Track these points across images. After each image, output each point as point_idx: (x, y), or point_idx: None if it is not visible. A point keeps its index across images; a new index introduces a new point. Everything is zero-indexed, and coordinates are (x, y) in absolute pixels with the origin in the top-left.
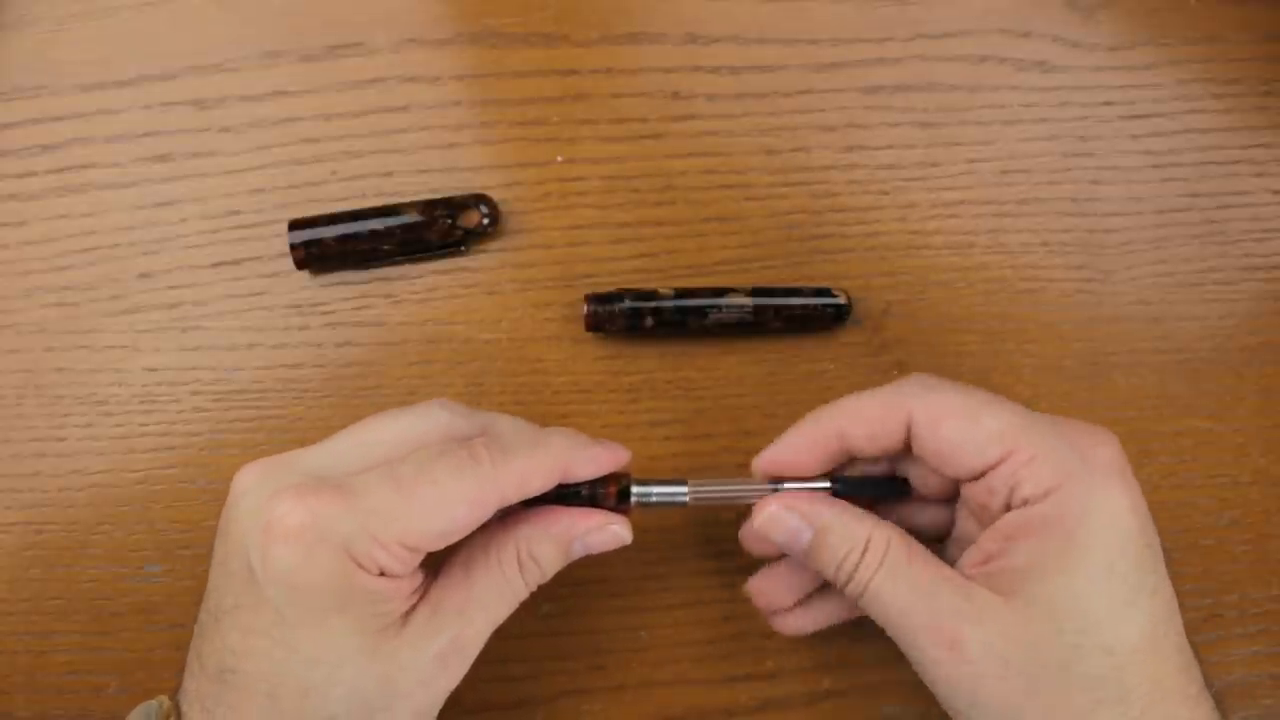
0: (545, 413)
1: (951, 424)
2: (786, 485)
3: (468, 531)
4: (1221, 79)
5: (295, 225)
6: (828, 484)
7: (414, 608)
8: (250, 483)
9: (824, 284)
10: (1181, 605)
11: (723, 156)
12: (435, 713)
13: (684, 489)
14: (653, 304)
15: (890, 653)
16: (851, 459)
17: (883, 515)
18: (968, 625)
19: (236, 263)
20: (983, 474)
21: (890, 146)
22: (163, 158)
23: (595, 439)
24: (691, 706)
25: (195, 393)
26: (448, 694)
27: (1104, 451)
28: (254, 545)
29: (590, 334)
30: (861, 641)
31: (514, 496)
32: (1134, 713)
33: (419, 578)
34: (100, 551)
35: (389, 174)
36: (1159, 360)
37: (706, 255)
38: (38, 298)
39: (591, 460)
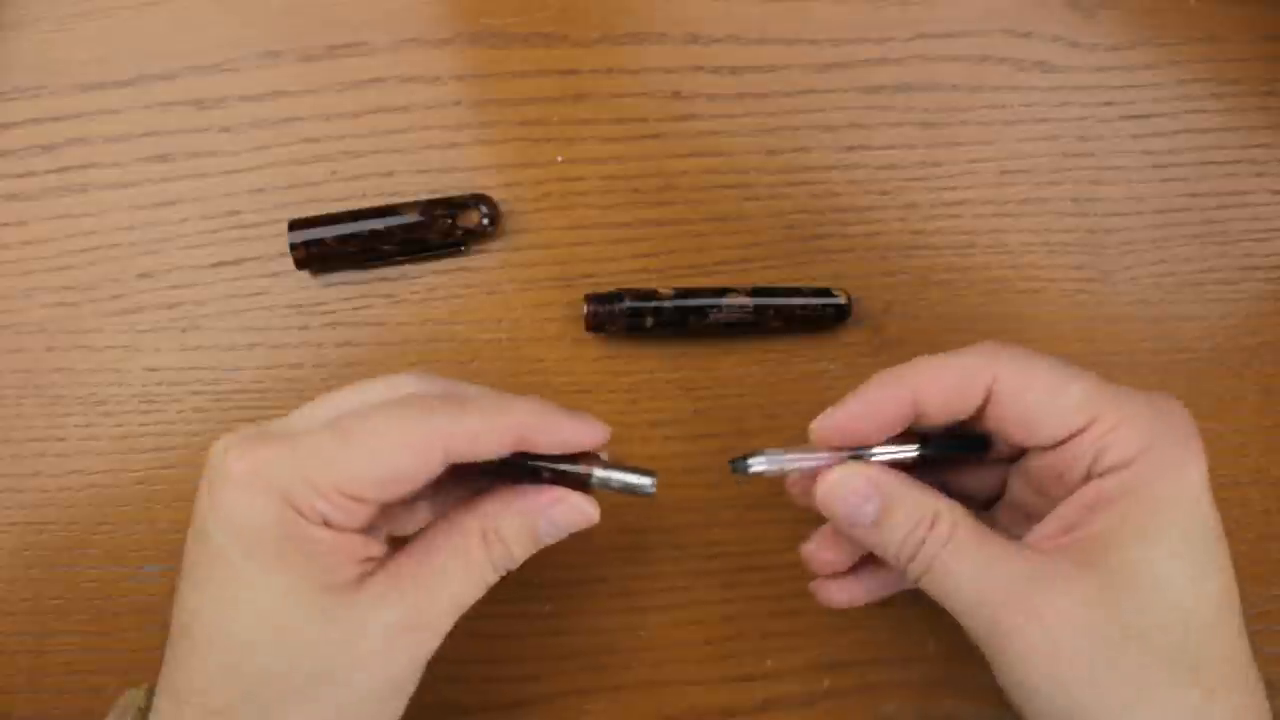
0: None
1: (1038, 391)
2: (875, 452)
3: (414, 483)
4: (1221, 79)
5: (295, 225)
6: (915, 447)
7: (371, 575)
8: (218, 447)
9: (824, 284)
10: None
11: (723, 156)
12: (398, 695)
13: (649, 480)
14: (653, 304)
15: (890, 653)
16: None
17: (927, 479)
18: (1045, 593)
19: (236, 263)
20: (1063, 441)
21: (891, 146)
22: (163, 158)
23: (570, 410)
24: (691, 706)
25: (195, 393)
26: (410, 675)
27: (1181, 421)
28: (204, 497)
29: (590, 334)
30: (861, 641)
31: (464, 450)
32: (1207, 686)
33: (376, 547)
34: (100, 551)
35: (389, 174)
36: (1159, 360)
37: (706, 255)
38: (38, 298)
39: (551, 429)
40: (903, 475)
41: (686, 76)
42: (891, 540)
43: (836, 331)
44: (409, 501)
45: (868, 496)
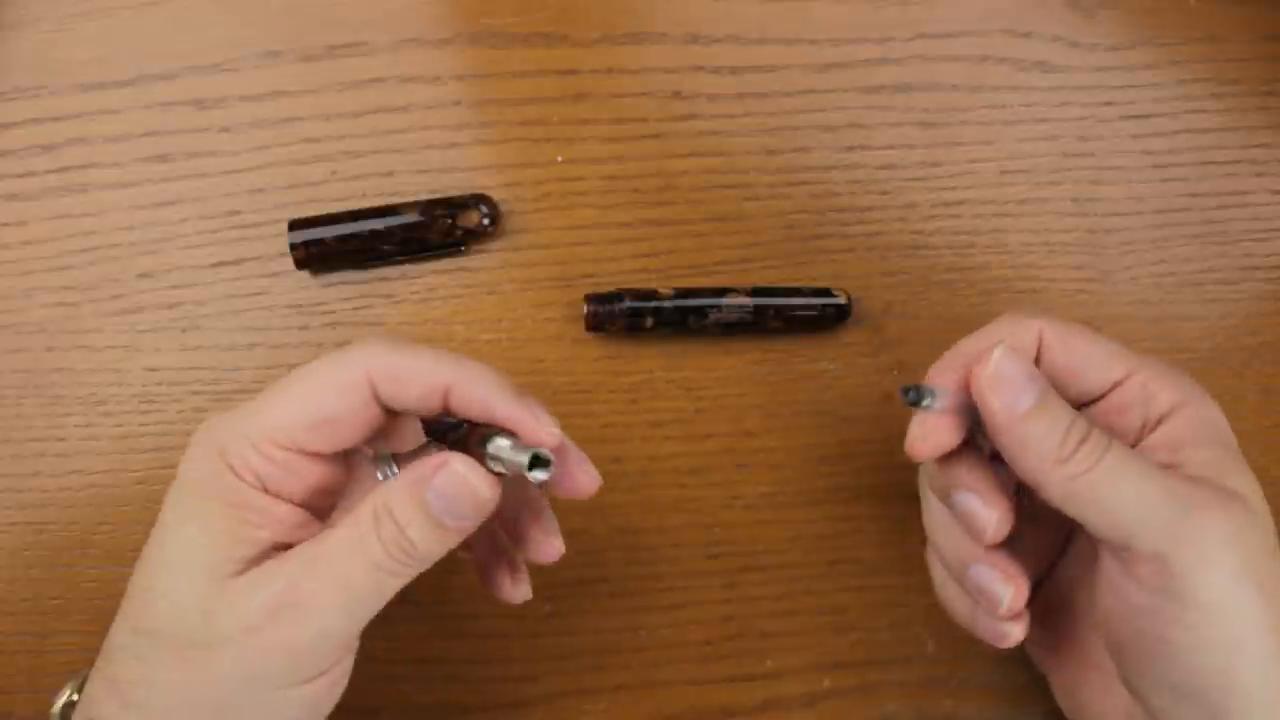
0: None
1: (1080, 340)
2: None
3: (352, 427)
4: (1221, 79)
5: (295, 225)
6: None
7: (279, 555)
8: None
9: (824, 284)
10: None
11: (723, 156)
12: (285, 684)
13: (526, 459)
14: (653, 304)
15: (890, 653)
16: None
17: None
18: (1227, 506)
19: (236, 263)
20: (1108, 392)
21: (891, 146)
22: (163, 158)
23: (520, 393)
24: (691, 706)
25: (195, 393)
26: (288, 666)
27: (1189, 377)
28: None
29: (590, 334)
30: (861, 641)
31: (391, 392)
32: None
33: (314, 529)
34: (100, 552)
35: (389, 174)
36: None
37: (706, 255)
38: (38, 298)
39: (482, 393)
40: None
41: (686, 76)
42: (1051, 432)
43: (836, 331)
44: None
45: (1029, 381)
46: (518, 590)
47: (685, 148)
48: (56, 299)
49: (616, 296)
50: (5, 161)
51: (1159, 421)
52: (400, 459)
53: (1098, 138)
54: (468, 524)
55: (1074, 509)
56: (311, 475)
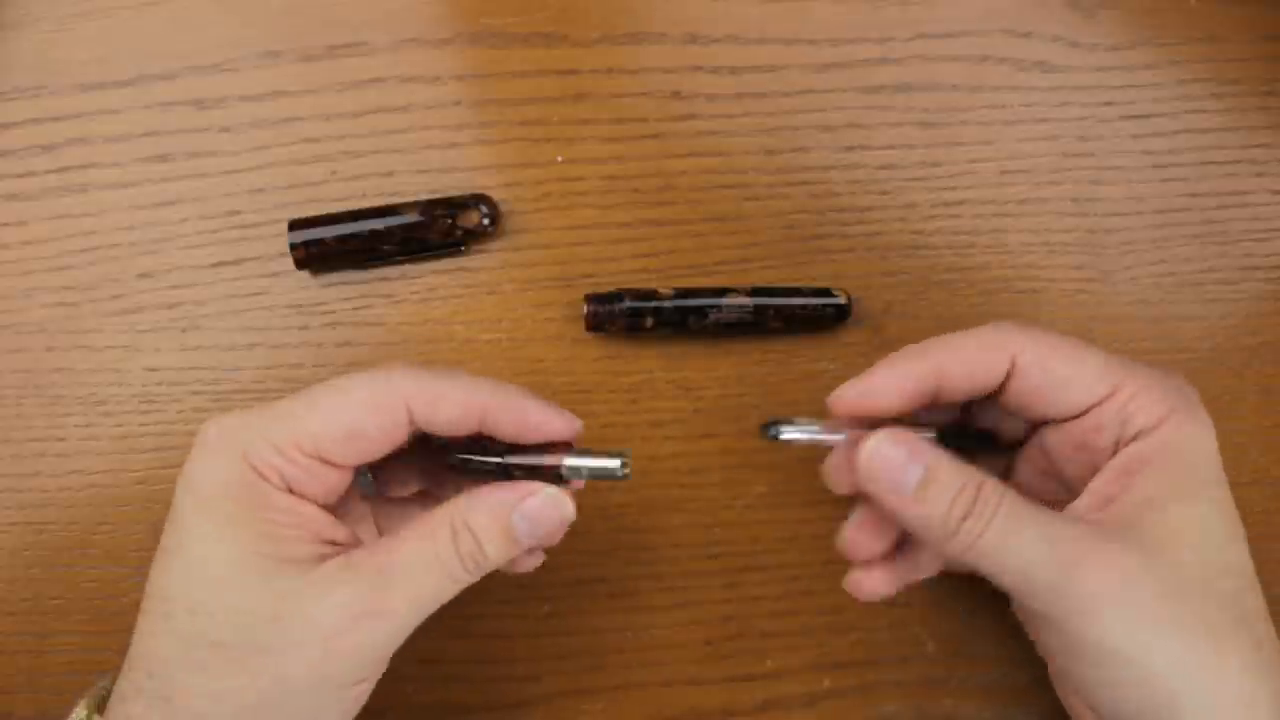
0: None
1: (1060, 361)
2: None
3: (379, 443)
4: (1221, 79)
5: (295, 225)
6: (932, 432)
7: (330, 558)
8: (205, 423)
9: (824, 284)
10: None
11: (723, 156)
12: (347, 684)
13: (618, 462)
14: (653, 304)
15: (890, 653)
16: (929, 406)
17: None
18: (1111, 553)
19: (236, 263)
20: (1087, 411)
21: (890, 146)
22: (163, 158)
23: (539, 399)
24: (691, 706)
25: (195, 393)
26: (360, 666)
27: (1189, 390)
28: (182, 472)
29: (590, 334)
30: (861, 641)
31: (426, 414)
32: (1260, 634)
33: (341, 532)
34: (100, 551)
35: (389, 174)
36: (1159, 360)
37: (706, 255)
38: (38, 298)
39: (516, 409)
40: (941, 447)
41: (686, 76)
42: (937, 508)
43: (836, 331)
44: (404, 506)
45: (910, 463)
46: (530, 559)
47: (685, 148)
48: (56, 299)
49: (616, 296)
50: (5, 161)
51: (1130, 441)
52: (377, 476)
53: (1098, 138)
54: (542, 543)
55: (974, 568)
56: (328, 481)
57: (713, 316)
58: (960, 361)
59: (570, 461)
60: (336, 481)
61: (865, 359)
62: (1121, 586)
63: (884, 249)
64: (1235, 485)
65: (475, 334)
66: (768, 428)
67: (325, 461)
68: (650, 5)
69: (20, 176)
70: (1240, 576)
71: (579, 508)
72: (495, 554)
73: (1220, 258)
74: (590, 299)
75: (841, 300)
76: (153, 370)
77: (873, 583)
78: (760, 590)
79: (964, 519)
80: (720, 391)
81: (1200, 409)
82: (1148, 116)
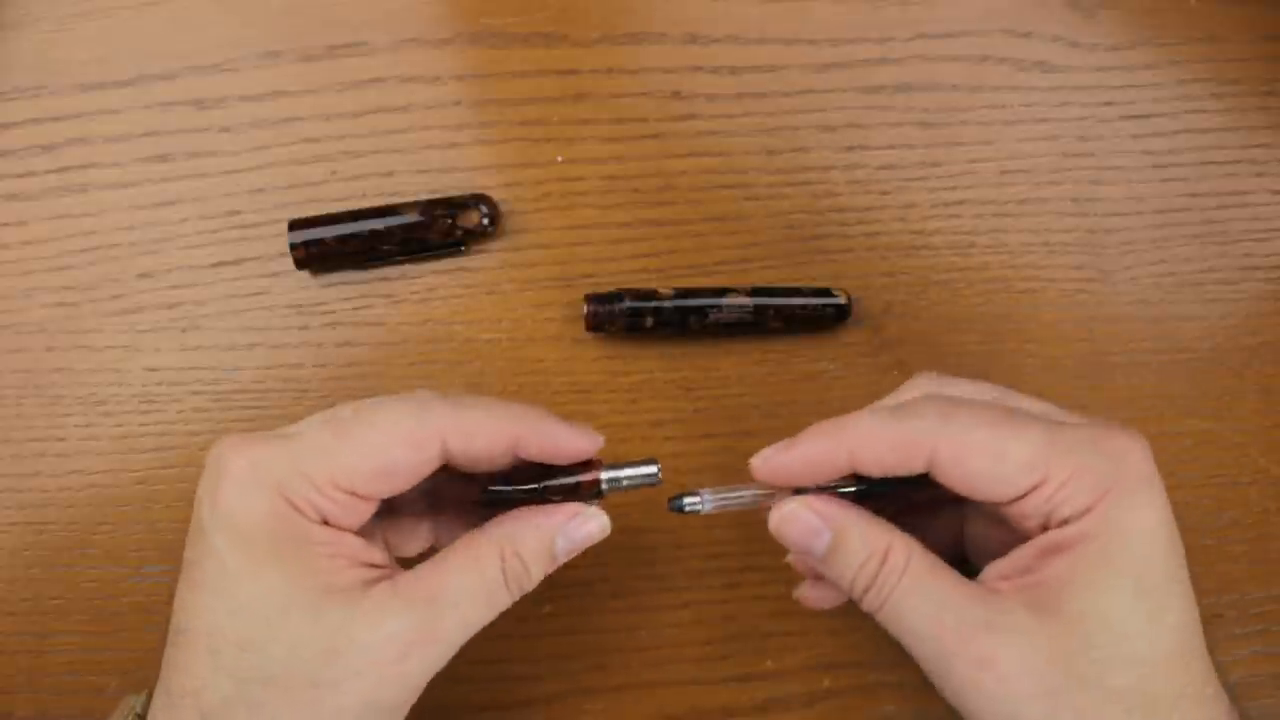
0: None
1: (978, 461)
2: (810, 490)
3: (411, 478)
4: (1221, 79)
5: (295, 225)
6: (853, 485)
7: (375, 584)
8: (218, 447)
9: (824, 284)
10: None
11: (723, 156)
12: (395, 708)
13: (655, 469)
14: (653, 304)
15: (890, 653)
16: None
17: (893, 519)
18: (1001, 642)
19: (236, 263)
20: (1013, 501)
21: (890, 146)
22: (163, 158)
23: (565, 421)
24: (691, 706)
25: (195, 393)
26: (410, 691)
27: (1134, 459)
28: (203, 496)
29: (590, 334)
30: (861, 642)
31: (460, 446)
32: (1161, 718)
33: (378, 554)
34: (100, 551)
35: (389, 174)
36: (1159, 360)
37: (706, 255)
38: (38, 298)
39: (547, 433)
40: (856, 508)
41: (686, 76)
42: (845, 573)
43: (836, 331)
44: (410, 520)
45: (818, 530)
46: None
47: (685, 148)
48: (56, 299)
49: (616, 296)
50: (5, 161)
51: (1056, 525)
52: (462, 513)
53: (1098, 138)
54: (574, 556)
55: (886, 627)
56: (361, 512)
57: (713, 316)
58: (874, 455)
59: (608, 475)
60: (366, 511)
61: (865, 359)
62: (999, 681)
63: (884, 249)
64: (1235, 485)
65: (475, 334)
66: (674, 502)
67: (357, 496)
68: (650, 5)
69: (20, 176)
70: (1154, 664)
71: None
72: (538, 575)
73: (1220, 258)
74: (590, 299)
75: (841, 300)
76: (153, 370)
77: (819, 595)
78: (760, 590)
79: (870, 582)
80: (720, 391)
81: (1140, 479)
82: (1148, 116)
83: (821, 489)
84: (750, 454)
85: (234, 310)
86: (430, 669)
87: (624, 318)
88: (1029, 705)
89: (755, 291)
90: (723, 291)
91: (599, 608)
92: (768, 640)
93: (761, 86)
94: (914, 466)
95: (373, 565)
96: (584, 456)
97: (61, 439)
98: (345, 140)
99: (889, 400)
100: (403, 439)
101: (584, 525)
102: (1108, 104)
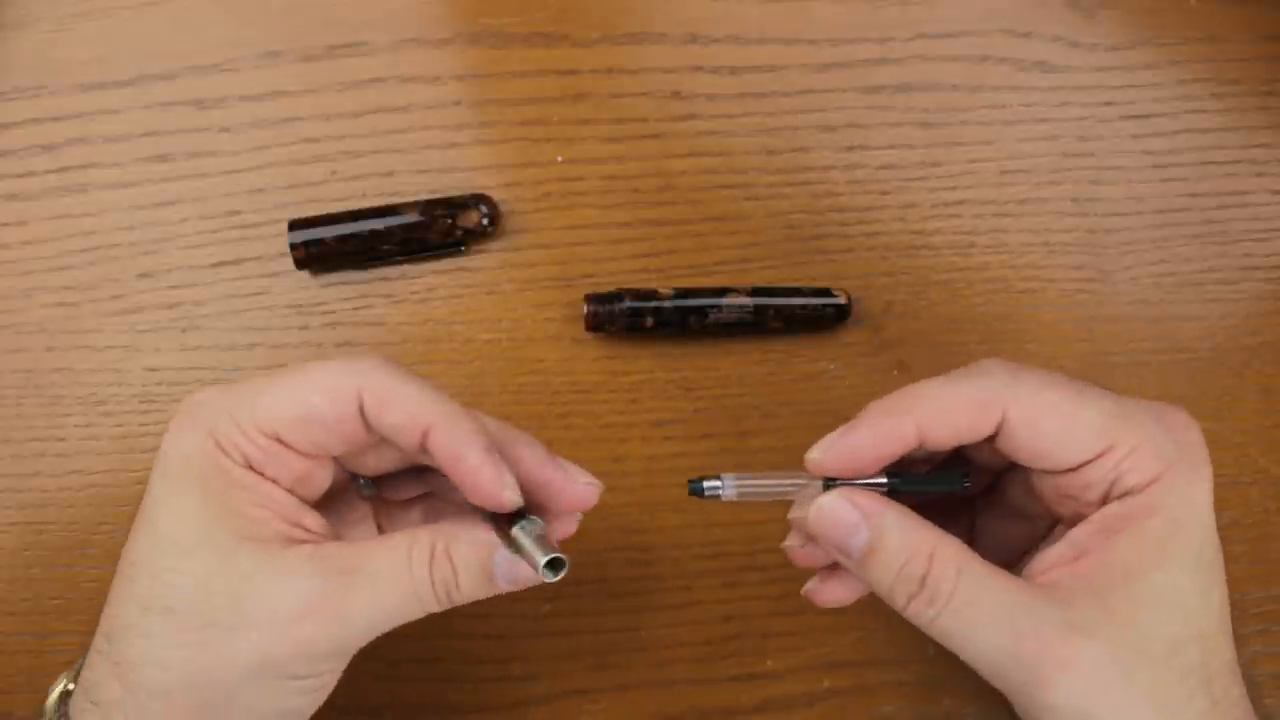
0: (545, 413)
1: (1052, 420)
2: (840, 482)
3: (334, 434)
4: (1221, 79)
5: (295, 225)
6: (884, 480)
7: (299, 545)
8: None
9: (824, 284)
10: None
11: (723, 156)
12: (291, 678)
13: (544, 563)
14: (653, 304)
15: (890, 652)
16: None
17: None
18: (1078, 640)
19: (236, 263)
20: (1079, 467)
21: (891, 146)
22: (163, 158)
23: (491, 456)
24: (691, 706)
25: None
26: (301, 664)
27: (1193, 436)
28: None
29: (590, 334)
30: (861, 642)
31: (375, 410)
32: (1216, 693)
33: (311, 518)
34: (100, 551)
35: (389, 174)
36: (1159, 360)
37: (706, 255)
38: (38, 298)
39: (455, 444)
40: (898, 506)
41: (686, 76)
42: (884, 577)
43: (836, 331)
44: (401, 505)
45: (857, 527)
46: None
47: (685, 148)
48: (56, 299)
49: (616, 296)
50: (5, 161)
51: (1118, 498)
52: (379, 481)
53: (1098, 138)
54: (518, 589)
55: (942, 640)
56: (296, 468)
57: (713, 316)
58: (945, 422)
59: (515, 532)
60: (306, 469)
61: (865, 359)
62: (1082, 678)
63: (884, 249)
64: (1235, 485)
65: (475, 334)
66: (695, 484)
67: (284, 444)
68: (650, 5)
69: (20, 176)
70: (1209, 638)
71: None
72: (469, 589)
73: (1220, 258)
74: (590, 299)
75: (841, 300)
76: (153, 370)
77: (831, 591)
78: (760, 590)
79: (910, 599)
80: (720, 391)
81: (1197, 456)
82: (1148, 116)
83: (858, 484)
84: (751, 454)
85: (234, 310)
86: (331, 644)
87: (624, 318)
88: (1110, 698)
89: (755, 291)
90: (723, 291)
91: (599, 608)
92: (768, 640)
93: (761, 86)
94: (984, 430)
95: (301, 527)
96: (486, 498)
97: (61, 439)
98: (345, 140)
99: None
100: (322, 388)
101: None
102: (1108, 104)
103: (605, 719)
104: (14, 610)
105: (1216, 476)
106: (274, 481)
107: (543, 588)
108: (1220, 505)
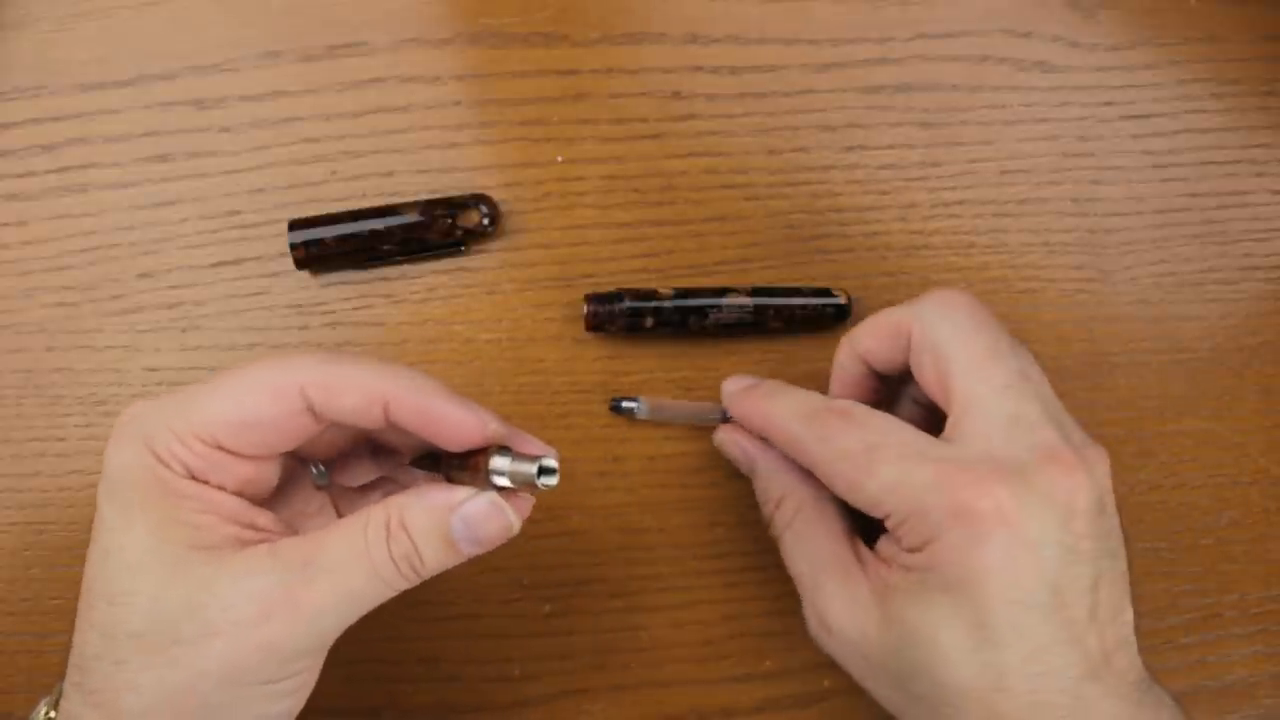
0: (545, 413)
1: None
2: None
3: (280, 433)
4: (1221, 79)
5: (295, 225)
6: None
7: (253, 546)
8: None
9: (824, 284)
10: (1181, 605)
11: (723, 156)
12: (261, 683)
13: (533, 468)
14: (653, 304)
15: None
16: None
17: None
18: (836, 612)
19: (236, 263)
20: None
21: (891, 146)
22: (163, 158)
23: (454, 396)
24: (691, 706)
25: None
26: (276, 662)
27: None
28: None
29: (590, 334)
30: None
31: (323, 400)
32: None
33: (262, 517)
34: None
35: (389, 174)
36: (1159, 360)
37: (706, 255)
38: (38, 298)
39: (421, 405)
40: (774, 452)
41: (686, 76)
42: (760, 502)
43: (836, 331)
44: (359, 491)
45: (743, 461)
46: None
47: (685, 148)
48: (56, 299)
49: (616, 296)
50: (5, 161)
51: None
52: (330, 465)
53: (1098, 138)
54: (484, 549)
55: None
56: (240, 471)
57: (713, 317)
58: (871, 344)
59: (494, 463)
60: (252, 472)
61: None
62: (831, 637)
63: (884, 249)
64: (1235, 485)
65: (475, 334)
66: (614, 401)
67: (225, 450)
68: (650, 5)
69: (20, 176)
70: (956, 691)
71: (579, 508)
72: (432, 560)
73: (1220, 258)
74: (590, 299)
75: (841, 300)
76: (153, 370)
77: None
78: (760, 590)
79: (770, 519)
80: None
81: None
82: (1148, 116)
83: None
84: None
85: (234, 310)
86: (299, 641)
87: (624, 318)
88: (855, 668)
89: (755, 291)
90: (723, 291)
91: (599, 608)
92: (768, 640)
93: (761, 86)
94: (901, 352)
95: (253, 527)
96: (469, 438)
97: (61, 439)
98: (345, 140)
99: None
100: (261, 389)
101: (482, 510)
102: (1108, 104)
103: (605, 719)
104: (14, 610)
105: (1217, 476)
106: (219, 487)
107: (543, 587)
108: (1220, 505)
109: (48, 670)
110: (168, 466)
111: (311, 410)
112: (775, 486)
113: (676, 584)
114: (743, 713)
